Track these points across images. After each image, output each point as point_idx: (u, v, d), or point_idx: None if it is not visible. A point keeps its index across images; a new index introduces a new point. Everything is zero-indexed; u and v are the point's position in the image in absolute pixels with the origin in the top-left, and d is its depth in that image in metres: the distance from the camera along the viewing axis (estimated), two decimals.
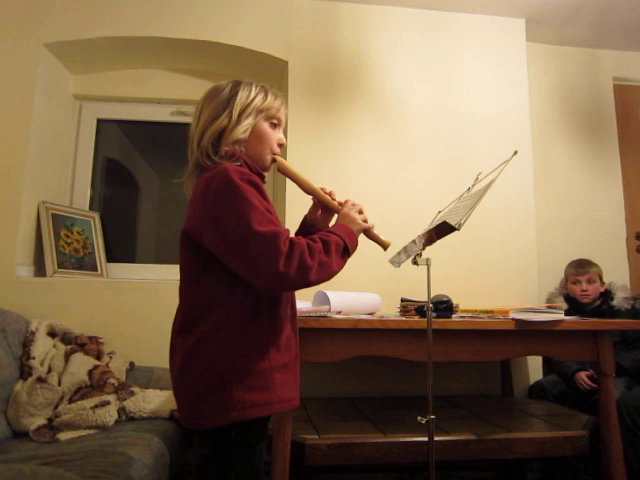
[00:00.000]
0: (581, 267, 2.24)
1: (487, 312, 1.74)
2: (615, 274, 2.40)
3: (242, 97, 1.03)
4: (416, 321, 1.53)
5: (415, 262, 1.24)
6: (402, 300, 1.81)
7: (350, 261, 1.01)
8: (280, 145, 1.08)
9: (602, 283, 2.23)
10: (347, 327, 1.49)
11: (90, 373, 1.68)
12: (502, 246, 2.34)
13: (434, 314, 1.53)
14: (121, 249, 2.49)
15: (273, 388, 0.94)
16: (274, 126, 1.07)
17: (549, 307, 1.74)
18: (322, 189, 1.12)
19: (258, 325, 0.95)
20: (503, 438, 1.52)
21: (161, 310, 2.07)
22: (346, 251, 0.99)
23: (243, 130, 1.02)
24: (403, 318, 1.59)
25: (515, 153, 1.27)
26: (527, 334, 1.59)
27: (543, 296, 2.37)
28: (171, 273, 2.34)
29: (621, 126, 2.77)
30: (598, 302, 2.20)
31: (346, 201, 1.11)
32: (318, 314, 1.52)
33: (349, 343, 1.51)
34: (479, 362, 2.23)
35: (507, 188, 2.33)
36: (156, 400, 1.69)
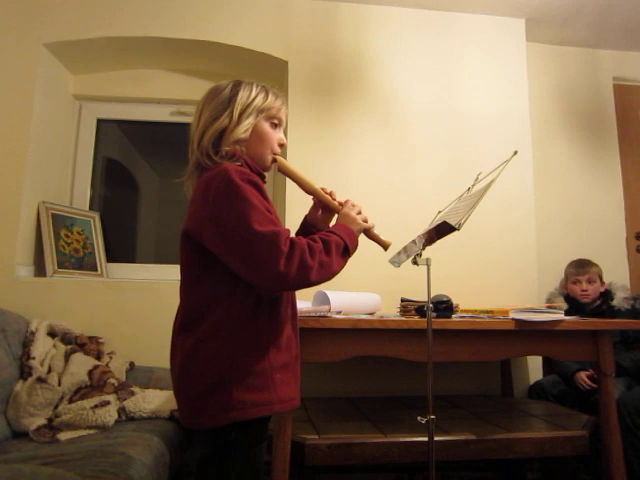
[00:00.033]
0: (581, 267, 2.24)
1: (487, 312, 1.74)
2: (615, 274, 2.40)
3: (243, 97, 1.03)
4: (416, 321, 1.53)
5: (415, 262, 1.24)
6: (402, 300, 1.81)
7: (350, 261, 1.01)
8: (281, 145, 1.09)
9: (602, 283, 2.23)
10: (347, 327, 1.49)
11: (90, 373, 1.68)
12: (502, 246, 2.34)
13: (434, 314, 1.53)
14: (121, 249, 2.49)
15: (273, 388, 0.94)
16: (275, 126, 1.07)
17: (549, 307, 1.74)
18: (323, 189, 1.12)
19: (258, 325, 0.95)
20: (503, 438, 1.52)
21: (161, 310, 2.06)
22: (346, 251, 0.99)
23: (244, 130, 1.02)
24: (403, 318, 1.59)
25: (515, 153, 1.27)
26: (527, 334, 1.59)
27: (543, 296, 2.37)
28: (171, 273, 2.34)
29: (621, 126, 2.77)
30: (598, 302, 2.20)
31: (346, 201, 1.11)
32: (318, 314, 1.52)
33: (349, 343, 1.51)
34: (479, 362, 2.23)
35: (507, 188, 2.33)
36: (156, 400, 1.68)
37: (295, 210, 2.10)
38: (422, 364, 1.36)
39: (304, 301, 1.69)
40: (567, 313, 1.86)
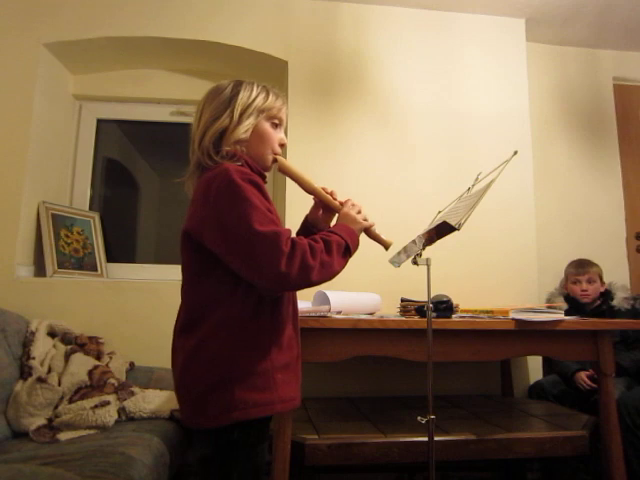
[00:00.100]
0: (581, 267, 2.24)
1: (487, 312, 1.74)
2: (615, 274, 2.40)
3: (243, 97, 1.03)
4: (416, 321, 1.53)
5: (415, 262, 1.24)
6: (402, 300, 1.81)
7: (350, 261, 1.01)
8: (281, 145, 1.09)
9: (602, 283, 2.23)
10: (347, 327, 1.49)
11: (90, 373, 1.68)
12: (502, 246, 2.34)
13: (434, 314, 1.53)
14: (121, 249, 2.49)
15: (275, 388, 0.94)
16: (275, 126, 1.07)
17: (549, 307, 1.74)
18: (323, 189, 1.12)
19: (260, 325, 0.95)
20: (503, 438, 1.52)
21: (161, 310, 2.07)
22: (347, 251, 0.99)
23: (244, 130, 1.02)
24: (403, 318, 1.59)
25: (515, 153, 1.27)
26: (527, 334, 1.59)
27: (543, 296, 2.37)
28: (171, 273, 2.34)
29: (621, 126, 2.77)
30: (598, 302, 2.20)
31: (347, 201, 1.11)
32: (318, 314, 1.53)
33: (349, 343, 1.51)
34: (479, 362, 2.23)
35: (507, 188, 2.33)
36: (156, 400, 1.68)
37: (295, 210, 2.10)
38: (422, 364, 1.36)
39: (304, 301, 1.69)
40: (567, 313, 1.86)
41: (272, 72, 2.43)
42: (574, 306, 2.19)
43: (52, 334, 1.87)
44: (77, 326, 1.94)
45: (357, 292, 1.88)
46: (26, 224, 2.10)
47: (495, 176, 1.21)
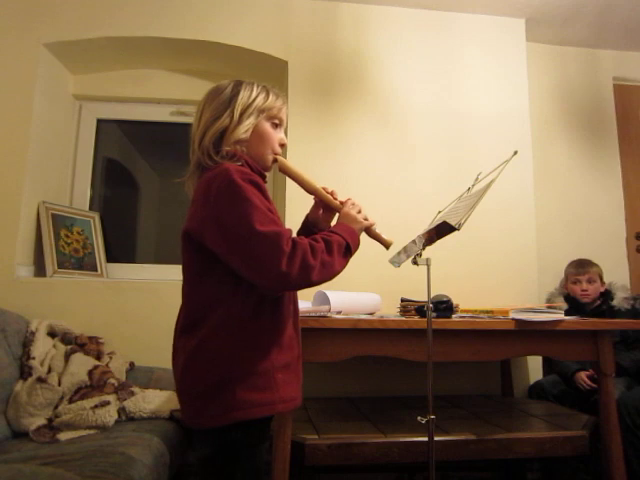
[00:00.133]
0: (581, 267, 2.24)
1: (487, 312, 1.74)
2: (615, 274, 2.40)
3: (244, 97, 1.03)
4: (416, 321, 1.54)
5: (415, 262, 1.24)
6: (402, 300, 1.81)
7: (350, 261, 1.01)
8: (281, 145, 1.09)
9: (602, 283, 2.23)
10: (347, 327, 1.49)
11: (90, 373, 1.68)
12: (502, 246, 2.34)
13: (434, 314, 1.53)
14: (121, 249, 2.49)
15: (276, 388, 0.94)
16: (275, 126, 1.07)
17: (549, 307, 1.74)
18: (324, 188, 1.12)
19: (260, 325, 0.95)
20: (503, 438, 1.52)
21: (161, 310, 2.07)
22: (348, 250, 0.99)
23: (244, 130, 1.02)
24: (403, 318, 1.59)
25: (515, 153, 1.27)
26: (527, 334, 1.59)
27: (543, 296, 2.37)
28: (171, 273, 2.34)
29: (621, 126, 2.77)
30: (598, 302, 2.20)
31: (347, 200, 1.11)
32: (318, 314, 1.53)
33: (349, 343, 1.51)
34: (479, 362, 2.23)
35: (507, 188, 2.33)
36: (156, 400, 1.68)
37: (295, 210, 2.10)
38: (422, 364, 1.36)
39: (304, 301, 1.69)
40: (567, 313, 1.86)
41: (272, 72, 2.43)
42: (574, 306, 2.19)
43: (52, 334, 1.87)
44: (77, 326, 1.94)
45: (357, 292, 1.88)
46: (26, 224, 2.10)
47: (495, 176, 1.21)
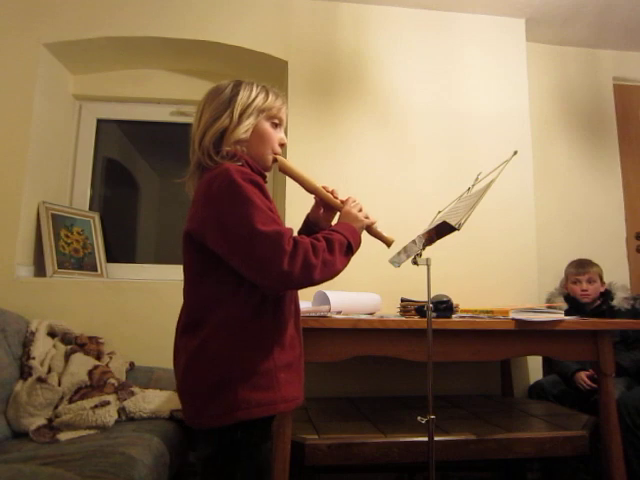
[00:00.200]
0: (581, 267, 2.24)
1: (487, 312, 1.74)
2: (615, 274, 2.40)
3: (243, 97, 1.03)
4: (416, 321, 1.54)
5: (415, 262, 1.24)
6: (402, 300, 1.81)
7: (351, 261, 1.01)
8: (281, 145, 1.09)
9: (602, 283, 2.23)
10: (347, 327, 1.49)
11: (90, 373, 1.68)
12: (502, 246, 2.34)
13: (434, 314, 1.53)
14: (121, 249, 2.49)
15: (278, 388, 0.94)
16: (275, 126, 1.07)
17: (549, 307, 1.74)
18: (324, 187, 1.12)
19: (262, 325, 0.95)
20: (503, 438, 1.52)
21: (161, 310, 2.07)
22: (349, 249, 0.99)
23: (244, 130, 1.02)
24: (403, 318, 1.59)
25: (515, 153, 1.27)
26: (527, 334, 1.59)
27: (543, 296, 2.37)
28: (171, 273, 2.34)
29: (621, 126, 2.77)
30: (598, 302, 2.20)
31: (347, 199, 1.11)
32: (318, 314, 1.53)
33: (349, 343, 1.51)
34: (479, 362, 2.23)
35: (507, 188, 2.33)
36: (156, 400, 1.68)
37: (296, 209, 2.10)
38: (422, 364, 1.36)
39: (304, 301, 1.68)
40: (567, 313, 1.86)
41: (272, 72, 2.43)
42: (574, 306, 2.19)
43: (52, 334, 1.87)
44: (77, 326, 1.94)
45: (357, 292, 1.88)
46: (26, 224, 2.10)
47: (495, 176, 1.21)
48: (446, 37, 2.47)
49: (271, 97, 1.06)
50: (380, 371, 2.18)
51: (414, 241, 1.29)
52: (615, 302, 2.16)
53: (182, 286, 1.01)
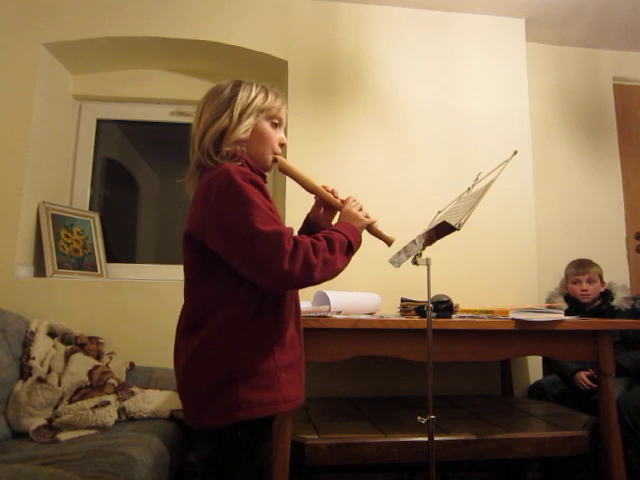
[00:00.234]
0: (581, 267, 2.24)
1: (487, 312, 1.74)
2: (615, 274, 2.40)
3: (243, 97, 1.03)
4: (416, 321, 1.53)
5: (415, 262, 1.24)
6: (402, 300, 1.81)
7: (351, 261, 1.01)
8: (281, 145, 1.09)
9: (602, 283, 2.23)
10: (347, 327, 1.49)
11: (90, 373, 1.68)
12: (502, 246, 2.34)
13: (434, 314, 1.53)
14: (121, 249, 2.49)
15: (279, 387, 0.94)
16: (275, 126, 1.07)
17: (549, 307, 1.74)
18: (324, 187, 1.12)
19: (262, 325, 0.95)
20: (503, 438, 1.52)
21: (161, 310, 2.07)
22: (350, 248, 0.99)
23: (244, 130, 1.02)
24: (403, 318, 1.59)
25: (515, 153, 1.27)
26: (527, 334, 1.59)
27: (543, 296, 2.37)
28: (171, 273, 2.34)
29: (621, 126, 2.77)
30: (598, 302, 2.20)
31: (348, 198, 1.11)
32: (318, 314, 1.53)
33: (349, 343, 1.51)
34: (479, 362, 2.23)
35: (507, 188, 2.33)
36: (156, 400, 1.68)
37: (296, 209, 2.10)
38: (422, 364, 1.36)
39: (304, 301, 1.68)
40: (567, 313, 1.86)
41: (272, 72, 2.43)
42: (574, 306, 2.19)
43: (52, 334, 1.87)
44: (77, 326, 1.94)
45: (357, 292, 1.88)
46: (26, 224, 2.10)
47: (495, 176, 1.21)
48: (446, 37, 2.47)
49: (271, 97, 1.06)
50: (380, 371, 2.18)
51: (414, 241, 1.29)
52: (615, 302, 2.16)
53: (182, 286, 1.01)
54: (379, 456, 1.45)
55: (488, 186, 1.22)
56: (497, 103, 2.45)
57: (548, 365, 2.28)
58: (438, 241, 1.26)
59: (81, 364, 1.72)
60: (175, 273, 2.32)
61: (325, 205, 1.15)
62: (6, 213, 2.04)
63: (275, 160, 1.08)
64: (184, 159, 1.08)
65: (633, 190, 2.74)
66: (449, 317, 1.62)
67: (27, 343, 1.74)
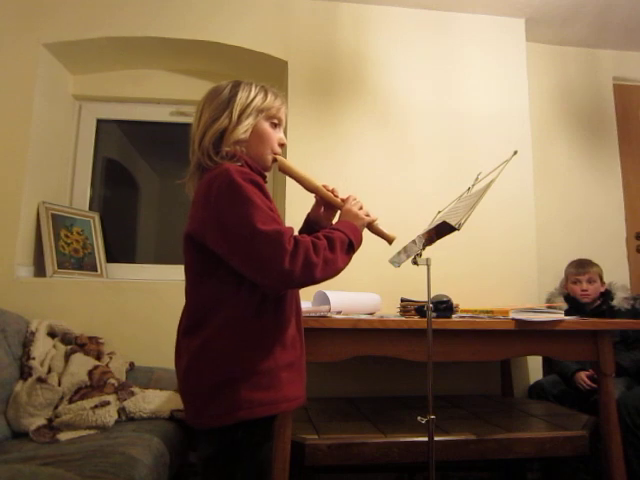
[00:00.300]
0: (581, 267, 2.24)
1: (487, 312, 1.74)
2: (615, 274, 2.40)
3: (242, 97, 1.03)
4: (416, 321, 1.54)
5: (415, 262, 1.24)
6: (402, 300, 1.81)
7: (351, 261, 1.01)
8: (281, 145, 1.09)
9: (602, 283, 2.23)
10: (347, 327, 1.49)
11: (90, 373, 1.68)
12: (502, 246, 2.34)
13: (434, 314, 1.53)
14: (121, 249, 2.49)
15: (280, 387, 0.94)
16: (274, 126, 1.07)
17: (549, 307, 1.74)
18: (324, 186, 1.12)
19: (263, 324, 0.95)
20: (503, 438, 1.52)
21: (161, 310, 2.07)
22: (351, 247, 0.99)
23: (244, 130, 1.02)
24: (403, 318, 1.59)
25: (515, 153, 1.27)
26: (527, 334, 1.59)
27: (543, 296, 2.37)
28: (171, 273, 2.34)
29: (621, 126, 2.77)
30: (598, 302, 2.20)
31: (348, 197, 1.11)
32: (318, 314, 1.53)
33: (349, 343, 1.51)
34: (479, 362, 2.23)
35: (507, 188, 2.33)
36: (156, 400, 1.68)
37: (296, 209, 2.10)
38: (422, 364, 1.36)
39: (304, 301, 1.68)
40: (567, 313, 1.86)
41: (272, 72, 2.43)
42: (574, 306, 2.19)
43: (52, 334, 1.87)
44: (77, 326, 1.94)
45: (357, 292, 1.88)
46: (26, 224, 2.10)
47: (495, 176, 1.21)
48: (446, 37, 2.47)
49: (270, 97, 1.06)
50: (380, 371, 2.18)
51: (414, 241, 1.29)
52: (615, 302, 2.16)
53: (182, 286, 1.01)
54: (379, 456, 1.45)
55: (488, 186, 1.22)
56: (497, 103, 2.45)
57: (548, 365, 2.28)
58: (438, 241, 1.26)
59: (81, 364, 1.72)
60: (175, 273, 2.32)
61: (325, 204, 1.15)
62: (6, 213, 2.04)
63: (275, 160, 1.08)
64: (184, 159, 1.08)
65: (633, 190, 2.74)
66: (449, 317, 1.62)
67: (27, 343, 1.74)
